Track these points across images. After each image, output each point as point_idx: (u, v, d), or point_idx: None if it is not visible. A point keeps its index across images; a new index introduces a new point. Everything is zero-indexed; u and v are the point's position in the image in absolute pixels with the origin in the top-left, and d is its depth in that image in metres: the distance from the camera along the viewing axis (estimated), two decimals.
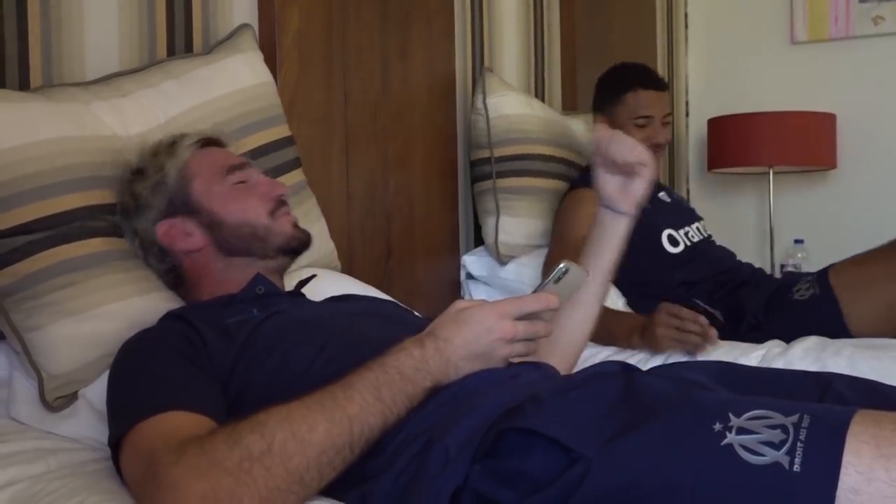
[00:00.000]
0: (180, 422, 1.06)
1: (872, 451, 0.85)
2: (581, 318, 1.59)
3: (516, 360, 1.24)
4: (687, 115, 4.12)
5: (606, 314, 2.21)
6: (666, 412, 0.97)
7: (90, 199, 1.43)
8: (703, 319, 1.96)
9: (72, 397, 1.38)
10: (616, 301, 2.51)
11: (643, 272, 2.43)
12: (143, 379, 1.17)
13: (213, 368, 1.21)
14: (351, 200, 2.15)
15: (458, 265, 2.54)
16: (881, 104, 3.72)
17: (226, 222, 1.41)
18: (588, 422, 0.99)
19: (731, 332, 2.29)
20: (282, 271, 1.48)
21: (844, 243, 2.82)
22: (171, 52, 1.80)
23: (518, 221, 2.51)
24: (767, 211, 3.71)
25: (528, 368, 1.21)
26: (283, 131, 1.81)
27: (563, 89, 3.09)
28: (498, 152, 2.50)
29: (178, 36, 1.82)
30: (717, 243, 2.68)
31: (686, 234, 2.55)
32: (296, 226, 1.46)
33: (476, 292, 2.51)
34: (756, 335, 2.21)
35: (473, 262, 2.53)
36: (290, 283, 1.53)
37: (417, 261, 2.37)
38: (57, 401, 1.37)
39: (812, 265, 3.26)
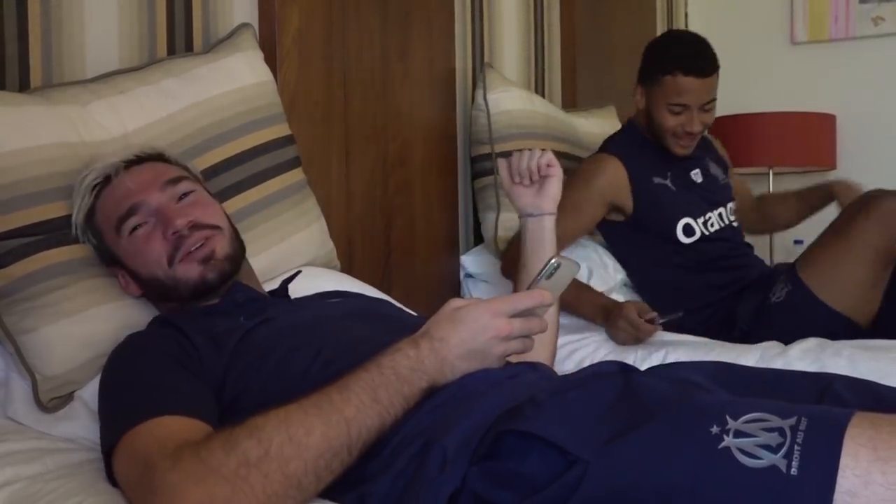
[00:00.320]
0: (175, 426, 1.05)
1: (870, 455, 0.85)
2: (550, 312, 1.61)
3: (514, 360, 1.24)
4: None
5: (580, 287, 2.27)
6: (663, 414, 0.96)
7: None
8: (656, 330, 2.13)
9: (67, 398, 1.38)
10: (615, 276, 2.54)
11: (652, 259, 2.46)
12: (135, 384, 1.16)
13: (204, 373, 1.20)
14: (351, 200, 2.15)
15: (457, 264, 2.54)
16: (881, 105, 3.72)
17: (141, 276, 1.38)
18: (586, 423, 0.99)
19: (725, 337, 2.30)
20: (222, 296, 1.40)
21: None
22: (172, 51, 1.80)
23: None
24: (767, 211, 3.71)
25: (525, 369, 1.21)
26: (283, 130, 1.81)
27: (563, 88, 3.09)
28: (499, 148, 2.49)
29: (179, 35, 1.82)
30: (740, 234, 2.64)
31: (705, 222, 2.47)
32: (203, 262, 1.35)
33: (475, 291, 2.50)
34: (747, 342, 2.22)
35: (472, 261, 2.53)
36: (277, 281, 1.53)
37: (417, 260, 2.37)
38: (52, 402, 1.36)
39: None
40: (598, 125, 2.91)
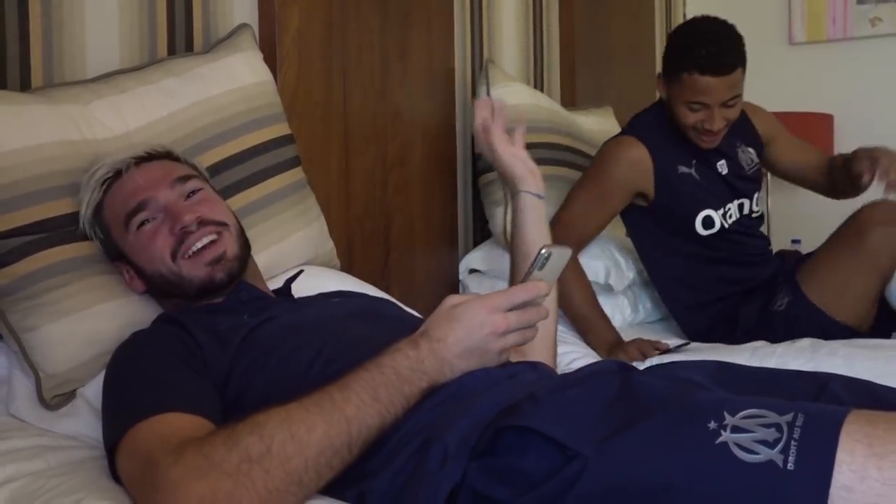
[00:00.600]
0: (178, 423, 1.06)
1: (865, 450, 0.85)
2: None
3: (514, 358, 1.24)
4: None
5: (594, 314, 2.24)
6: (662, 411, 0.97)
7: None
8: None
9: (70, 396, 1.39)
10: (626, 273, 2.51)
11: (666, 248, 2.40)
12: (139, 381, 1.17)
13: (208, 371, 1.20)
14: (350, 199, 2.15)
15: (456, 262, 2.54)
16: (879, 105, 3.72)
17: (146, 272, 1.38)
18: (584, 420, 1.00)
19: (725, 338, 2.29)
20: (227, 294, 1.40)
21: None
22: (172, 51, 1.80)
23: None
24: (765, 211, 3.71)
25: (525, 368, 1.21)
26: (282, 129, 1.81)
27: (562, 87, 3.09)
28: None
29: (179, 35, 1.82)
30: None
31: (725, 213, 2.37)
32: (212, 262, 1.36)
33: (479, 286, 2.48)
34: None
35: (479, 257, 2.51)
36: (280, 280, 1.53)
37: (416, 258, 2.38)
38: (54, 399, 1.37)
39: None
40: (598, 123, 2.91)
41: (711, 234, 2.35)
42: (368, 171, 2.21)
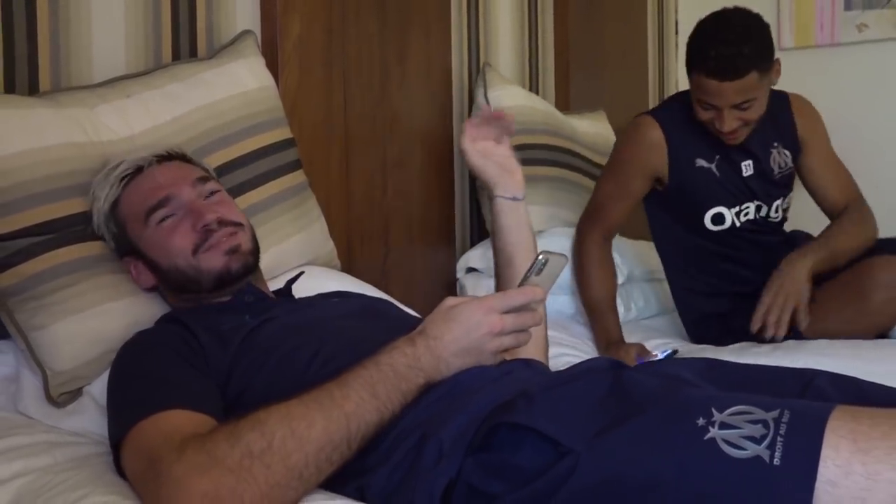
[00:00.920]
0: (181, 420, 1.06)
1: (850, 446, 0.86)
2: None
3: (509, 357, 1.24)
4: None
5: (607, 308, 2.22)
6: (652, 408, 0.97)
7: None
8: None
9: (76, 393, 1.39)
10: (623, 269, 2.46)
11: (674, 237, 2.34)
12: (143, 379, 1.17)
13: (209, 370, 1.21)
14: (350, 201, 2.15)
15: (453, 262, 2.54)
16: (865, 109, 3.72)
17: (161, 266, 1.38)
18: (576, 417, 1.00)
19: (714, 336, 2.25)
20: (243, 289, 1.40)
21: None
22: (176, 57, 1.81)
23: None
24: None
25: (519, 366, 1.21)
26: (284, 133, 1.82)
27: (556, 91, 3.09)
28: None
29: (183, 41, 1.82)
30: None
31: (739, 212, 2.25)
32: (229, 252, 1.37)
33: (476, 286, 2.48)
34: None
35: (477, 256, 2.50)
36: (281, 280, 1.53)
37: (415, 258, 2.38)
38: (61, 396, 1.37)
39: None
40: (592, 126, 2.91)
41: (720, 231, 2.26)
42: (368, 174, 2.21)
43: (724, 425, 0.90)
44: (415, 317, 1.47)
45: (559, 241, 2.37)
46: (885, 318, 2.09)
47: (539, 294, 1.16)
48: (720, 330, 2.27)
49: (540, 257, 1.17)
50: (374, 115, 2.23)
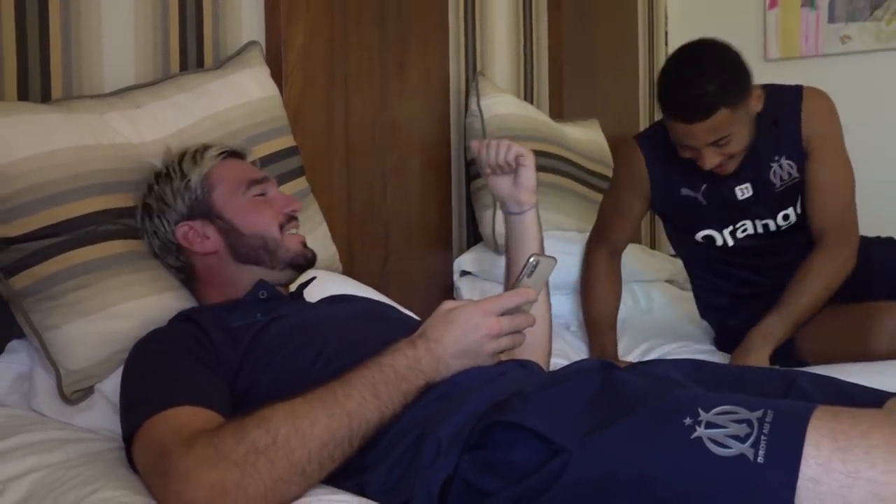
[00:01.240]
0: (190, 416, 1.07)
1: (831, 444, 0.87)
2: (540, 310, 1.59)
3: (505, 358, 1.25)
4: None
5: (606, 325, 2.20)
6: (641, 407, 0.98)
7: (105, 203, 1.43)
8: None
9: (88, 391, 1.39)
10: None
11: (682, 249, 2.30)
12: (155, 376, 1.18)
13: (220, 367, 1.21)
14: (351, 206, 2.16)
15: (450, 266, 2.54)
16: (848, 117, 3.72)
17: (241, 231, 1.41)
18: (569, 416, 1.01)
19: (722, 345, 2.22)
20: (287, 284, 1.47)
21: None
22: (184, 67, 1.81)
23: None
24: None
25: (514, 367, 1.22)
26: (288, 141, 1.82)
27: (550, 100, 3.10)
28: None
29: (190, 52, 1.83)
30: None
31: (734, 231, 2.11)
32: (304, 244, 1.46)
33: (472, 288, 2.49)
34: None
35: (470, 259, 2.51)
36: (291, 286, 1.54)
37: (413, 261, 2.38)
38: (74, 394, 1.37)
39: None
40: (584, 133, 2.92)
41: (713, 247, 2.16)
42: (368, 180, 2.22)
43: (710, 424, 0.91)
44: (415, 319, 1.48)
45: (549, 244, 2.38)
46: (885, 354, 1.95)
47: (531, 296, 1.17)
48: (717, 323, 2.27)
49: (531, 260, 1.18)
50: (374, 124, 2.24)
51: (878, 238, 2.28)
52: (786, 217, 2.09)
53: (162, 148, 1.52)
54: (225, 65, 1.79)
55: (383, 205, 2.26)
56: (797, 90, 2.10)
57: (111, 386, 1.35)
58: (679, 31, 4.05)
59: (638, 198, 2.19)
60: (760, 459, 0.87)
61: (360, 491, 1.05)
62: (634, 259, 2.57)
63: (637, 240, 2.48)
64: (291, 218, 1.46)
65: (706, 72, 1.88)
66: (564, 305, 2.42)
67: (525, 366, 1.25)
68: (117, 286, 1.40)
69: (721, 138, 1.91)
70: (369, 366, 1.09)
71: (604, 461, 0.93)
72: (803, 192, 2.06)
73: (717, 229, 2.12)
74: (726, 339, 2.21)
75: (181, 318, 1.35)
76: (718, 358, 2.13)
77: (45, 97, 1.55)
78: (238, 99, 1.72)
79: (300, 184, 1.82)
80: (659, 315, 2.52)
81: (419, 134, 2.42)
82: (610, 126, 3.12)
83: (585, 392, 1.07)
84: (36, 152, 1.36)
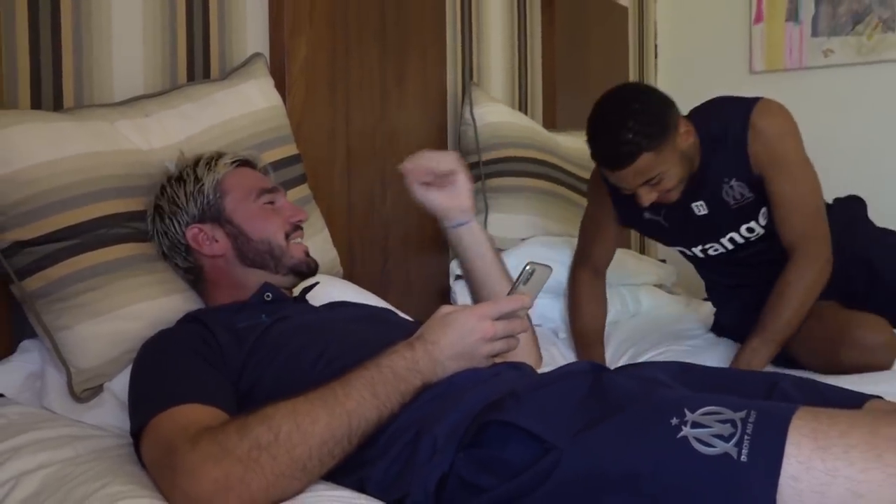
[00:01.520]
0: (196, 413, 1.07)
1: (811, 444, 0.87)
2: None
3: (499, 360, 1.25)
4: None
5: (593, 341, 2.19)
6: (629, 407, 0.99)
7: (115, 207, 1.43)
8: None
9: (97, 389, 1.39)
10: None
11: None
12: (162, 374, 1.18)
13: (225, 366, 1.21)
14: (352, 212, 2.16)
15: (447, 269, 2.55)
16: (830, 127, 3.75)
17: (249, 236, 1.42)
18: (560, 415, 1.01)
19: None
20: (290, 288, 1.48)
21: None
22: (191, 78, 1.81)
23: (505, 217, 2.51)
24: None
25: (507, 368, 1.22)
26: (291, 150, 1.82)
27: (543, 110, 3.11)
28: (486, 156, 2.50)
29: (197, 63, 1.83)
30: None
31: (705, 249, 2.13)
32: (307, 253, 1.47)
33: (467, 292, 2.48)
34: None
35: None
36: (295, 290, 1.54)
37: (411, 265, 2.38)
38: (84, 393, 1.38)
39: None
40: (575, 141, 2.91)
41: (688, 257, 2.21)
42: (368, 186, 2.22)
43: (695, 424, 0.92)
44: (413, 323, 1.48)
45: (540, 248, 2.39)
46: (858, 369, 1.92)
47: (527, 302, 1.17)
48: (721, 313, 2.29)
49: (527, 268, 1.18)
50: (374, 132, 2.25)
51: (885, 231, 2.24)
52: (750, 230, 2.08)
53: (169, 154, 1.52)
54: (230, 76, 1.79)
55: (383, 211, 2.27)
56: (747, 107, 2.02)
57: (120, 384, 1.35)
58: (668, 45, 4.07)
59: (610, 220, 2.20)
60: (744, 458, 0.87)
61: (359, 487, 1.06)
62: (623, 263, 2.57)
63: (626, 245, 2.48)
64: (297, 227, 1.47)
65: (626, 120, 1.84)
66: (555, 310, 2.42)
67: (518, 367, 1.25)
68: (126, 288, 1.40)
69: (650, 178, 1.88)
70: (368, 366, 1.09)
71: (593, 459, 0.93)
72: (768, 206, 2.03)
73: (685, 246, 2.16)
74: (723, 325, 2.26)
75: (188, 319, 1.35)
76: (706, 358, 2.14)
77: (58, 106, 1.55)
78: (243, 108, 1.73)
79: (302, 190, 1.83)
80: (647, 318, 2.52)
81: (417, 142, 2.42)
82: None
83: (576, 393, 1.08)
84: (49, 158, 1.37)
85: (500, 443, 1.00)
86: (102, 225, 1.41)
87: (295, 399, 1.03)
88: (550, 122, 3.05)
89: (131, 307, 1.40)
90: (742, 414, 0.91)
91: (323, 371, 1.17)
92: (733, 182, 2.01)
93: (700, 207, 2.04)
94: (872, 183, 3.67)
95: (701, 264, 2.25)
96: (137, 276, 1.43)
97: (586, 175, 2.84)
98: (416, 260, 2.40)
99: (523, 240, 2.50)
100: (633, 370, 1.21)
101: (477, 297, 1.62)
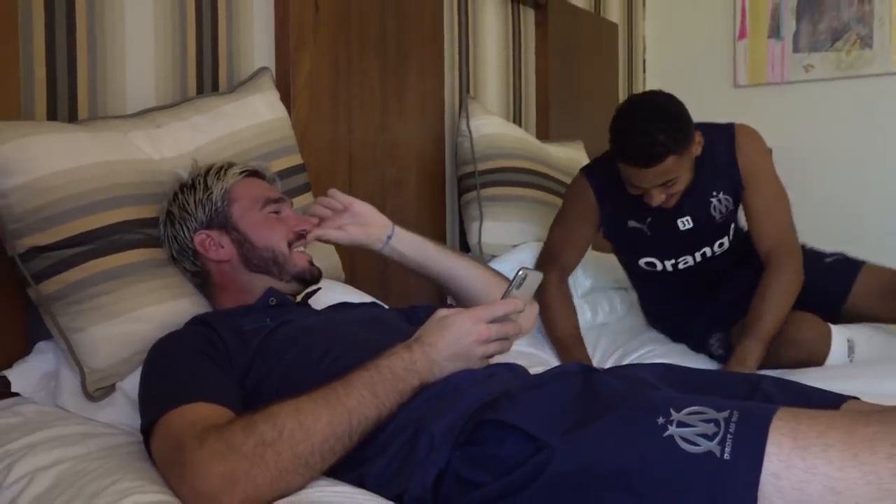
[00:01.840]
0: (204, 412, 1.07)
1: (791, 443, 0.87)
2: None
3: (494, 361, 1.26)
4: None
5: (573, 342, 2.15)
6: (618, 407, 0.99)
7: (128, 214, 1.43)
8: None
9: (110, 389, 1.39)
10: (583, 282, 2.48)
11: (631, 274, 2.34)
12: (171, 374, 1.18)
13: (231, 366, 1.21)
14: None
15: None
16: (812, 140, 3.76)
17: (254, 243, 1.42)
18: (552, 415, 1.01)
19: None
20: (293, 295, 1.47)
21: None
22: (200, 90, 1.82)
23: (499, 225, 2.51)
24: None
25: (502, 369, 1.22)
26: (295, 159, 1.83)
27: (537, 122, 3.11)
28: (481, 167, 2.50)
29: (206, 76, 1.83)
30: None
31: (676, 263, 2.18)
32: (310, 262, 1.46)
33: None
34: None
35: None
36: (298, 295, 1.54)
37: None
38: (97, 392, 1.37)
39: None
40: (567, 153, 2.92)
41: (654, 271, 2.22)
42: (369, 194, 2.22)
43: (681, 424, 0.92)
44: (412, 326, 1.48)
45: (531, 255, 2.39)
46: (810, 355, 2.01)
47: (519, 305, 1.18)
48: (666, 328, 2.31)
49: (520, 273, 1.19)
50: (375, 143, 2.25)
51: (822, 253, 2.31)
52: (721, 245, 2.18)
53: (180, 164, 1.53)
54: (238, 89, 1.80)
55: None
56: (729, 128, 2.14)
57: (131, 384, 1.35)
58: (656, 60, 4.08)
59: (589, 226, 2.20)
60: (727, 456, 0.87)
61: (359, 482, 1.06)
62: (610, 267, 2.58)
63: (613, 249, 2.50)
64: (300, 236, 1.46)
65: (656, 122, 1.91)
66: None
67: (512, 368, 1.26)
68: (138, 292, 1.40)
69: (668, 180, 1.97)
70: (369, 367, 1.09)
71: (584, 456, 0.93)
72: (735, 221, 2.17)
73: (658, 258, 2.19)
74: (686, 340, 2.25)
75: (196, 321, 1.35)
76: (691, 359, 2.14)
77: (73, 118, 1.56)
78: (250, 120, 1.73)
79: (307, 199, 1.82)
80: (634, 320, 2.52)
81: (416, 152, 2.43)
82: (593, 147, 3.13)
83: (568, 393, 1.08)
84: (66, 167, 1.37)
85: (495, 441, 1.00)
86: (116, 231, 1.41)
87: (298, 398, 1.04)
88: (543, 134, 3.06)
89: (142, 310, 1.40)
90: (725, 414, 0.92)
91: (328, 368, 1.18)
92: (721, 195, 2.11)
93: (685, 222, 2.12)
94: (851, 191, 3.69)
95: (656, 279, 2.25)
96: (148, 280, 1.43)
97: None
98: None
99: (515, 246, 2.51)
100: (621, 371, 1.21)
101: (451, 290, 1.61)
